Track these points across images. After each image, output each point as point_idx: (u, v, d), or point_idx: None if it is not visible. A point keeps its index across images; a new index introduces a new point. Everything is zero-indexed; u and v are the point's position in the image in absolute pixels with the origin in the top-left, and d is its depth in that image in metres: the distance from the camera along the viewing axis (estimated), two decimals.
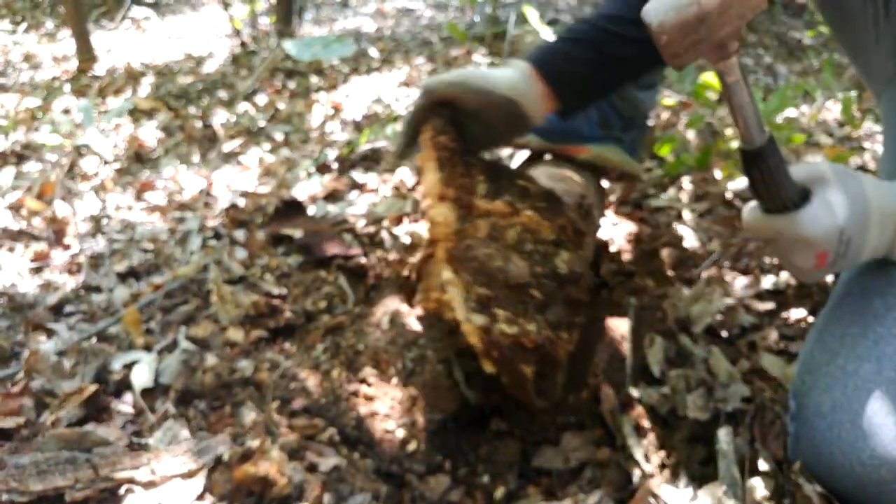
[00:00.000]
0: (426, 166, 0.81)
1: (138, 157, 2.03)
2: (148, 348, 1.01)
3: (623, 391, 0.86)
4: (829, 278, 1.04)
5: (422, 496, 0.74)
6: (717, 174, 1.51)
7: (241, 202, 1.57)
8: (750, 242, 1.22)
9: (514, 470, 0.80)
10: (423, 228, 1.29)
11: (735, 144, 1.60)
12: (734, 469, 0.69)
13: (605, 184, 1.21)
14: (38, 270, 1.35)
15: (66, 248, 1.45)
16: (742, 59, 0.66)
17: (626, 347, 0.93)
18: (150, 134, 2.21)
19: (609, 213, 1.34)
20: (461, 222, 0.79)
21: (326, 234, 1.29)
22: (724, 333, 0.99)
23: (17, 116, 2.44)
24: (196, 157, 1.99)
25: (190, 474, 0.65)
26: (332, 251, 1.22)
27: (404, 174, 1.58)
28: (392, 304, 0.99)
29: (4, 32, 4.12)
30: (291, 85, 2.65)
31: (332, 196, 1.57)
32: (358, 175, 1.66)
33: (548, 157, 1.14)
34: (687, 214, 1.36)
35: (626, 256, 1.20)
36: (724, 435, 0.74)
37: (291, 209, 1.41)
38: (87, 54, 3.17)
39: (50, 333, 1.11)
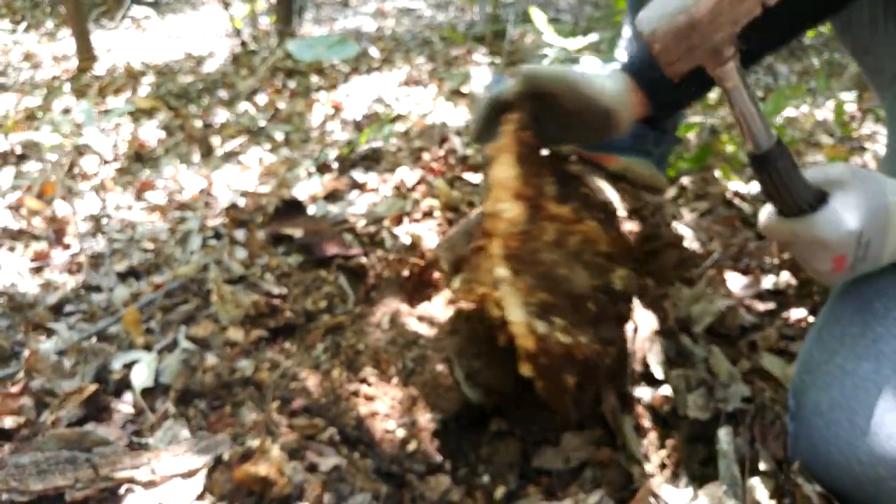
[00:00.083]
0: (501, 158, 0.77)
1: (138, 157, 2.03)
2: (148, 348, 1.01)
3: (623, 391, 0.86)
4: None
5: (422, 496, 0.74)
6: (718, 174, 1.51)
7: (242, 202, 1.57)
8: (750, 242, 1.22)
9: (515, 470, 0.80)
10: (423, 228, 1.29)
11: (733, 147, 1.60)
12: (734, 469, 0.69)
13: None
14: (38, 270, 1.35)
15: (67, 247, 1.45)
16: None
17: (626, 347, 0.93)
18: (150, 133, 2.21)
19: None
20: (529, 223, 0.76)
21: (327, 234, 1.29)
22: (725, 333, 0.99)
23: (18, 116, 2.44)
24: (196, 157, 1.99)
25: (190, 474, 0.65)
26: (333, 251, 1.22)
27: (404, 174, 1.58)
28: (392, 303, 0.99)
29: (4, 32, 4.12)
30: (292, 84, 2.65)
31: (333, 196, 1.57)
32: (358, 175, 1.66)
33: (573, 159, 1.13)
34: (687, 214, 1.36)
35: None
36: (724, 435, 0.74)
37: (292, 209, 1.41)
38: (87, 54, 3.17)
39: (50, 333, 1.11)
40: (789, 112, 1.98)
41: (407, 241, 1.21)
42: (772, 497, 0.66)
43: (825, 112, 2.00)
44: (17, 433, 0.83)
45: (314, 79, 2.69)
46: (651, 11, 0.56)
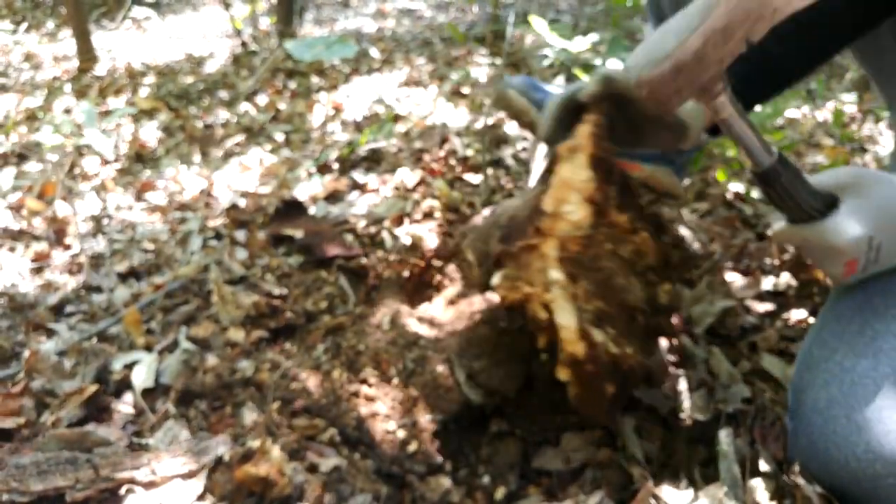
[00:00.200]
0: (574, 159, 0.75)
1: (139, 158, 2.03)
2: (148, 348, 1.02)
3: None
4: None
5: (422, 497, 0.74)
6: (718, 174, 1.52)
7: (242, 202, 1.57)
8: (750, 243, 1.22)
9: (515, 470, 0.80)
10: (423, 229, 1.29)
11: (732, 151, 1.60)
12: (735, 470, 0.69)
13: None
14: (38, 270, 1.35)
15: (67, 248, 1.45)
16: None
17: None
18: (151, 134, 2.22)
19: None
20: (592, 228, 0.74)
21: (327, 235, 1.29)
22: (725, 334, 0.99)
23: (18, 116, 2.44)
24: (197, 158, 1.99)
25: (190, 474, 0.65)
26: (333, 251, 1.22)
27: (405, 175, 1.58)
28: (393, 304, 1.00)
29: (5, 32, 4.12)
30: (292, 85, 2.65)
31: (333, 196, 1.57)
32: (359, 175, 1.66)
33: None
34: (687, 214, 1.36)
35: None
36: (724, 436, 0.74)
37: (292, 209, 1.41)
38: (87, 54, 3.17)
39: (50, 333, 1.11)
40: (790, 113, 1.98)
41: (407, 241, 1.21)
42: (772, 498, 0.66)
43: (825, 113, 2.00)
44: (18, 433, 0.83)
45: (315, 79, 2.69)
46: (636, 58, 0.57)
